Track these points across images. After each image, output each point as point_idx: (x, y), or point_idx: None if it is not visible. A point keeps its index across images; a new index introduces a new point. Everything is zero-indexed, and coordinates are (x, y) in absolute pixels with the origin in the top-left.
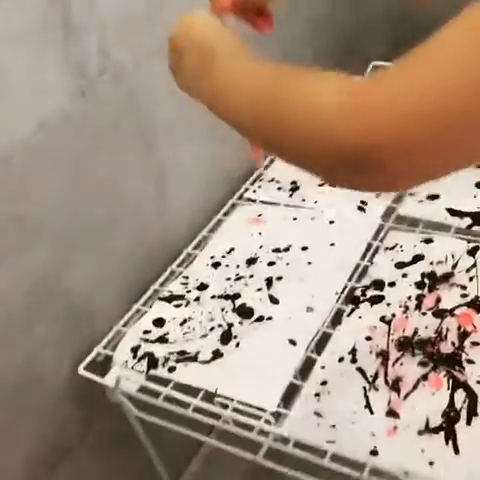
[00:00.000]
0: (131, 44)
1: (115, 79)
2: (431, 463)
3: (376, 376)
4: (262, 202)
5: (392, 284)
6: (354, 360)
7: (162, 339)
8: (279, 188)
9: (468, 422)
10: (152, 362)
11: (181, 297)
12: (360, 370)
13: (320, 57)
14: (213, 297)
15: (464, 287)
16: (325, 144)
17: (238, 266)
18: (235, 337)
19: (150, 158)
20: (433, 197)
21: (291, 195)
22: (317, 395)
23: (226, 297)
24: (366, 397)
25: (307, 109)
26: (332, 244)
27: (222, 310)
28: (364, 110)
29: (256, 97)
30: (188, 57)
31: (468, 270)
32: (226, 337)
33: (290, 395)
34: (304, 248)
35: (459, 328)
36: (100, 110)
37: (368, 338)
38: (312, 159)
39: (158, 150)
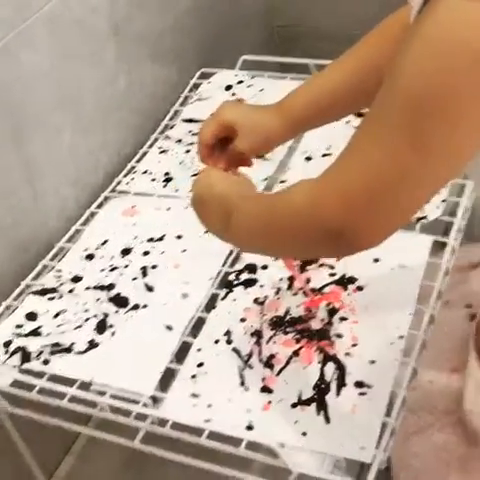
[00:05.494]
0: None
1: None
2: (304, 433)
3: (250, 355)
4: (136, 194)
5: (265, 267)
6: (229, 341)
7: (35, 332)
8: (153, 179)
9: (338, 392)
10: (25, 356)
11: (54, 290)
12: (235, 350)
13: (197, 48)
14: (87, 289)
15: (332, 267)
16: (311, 232)
17: (113, 257)
18: (111, 326)
19: (19, 150)
20: None
21: (165, 186)
22: (194, 377)
23: (101, 288)
24: (241, 375)
25: (293, 213)
26: (206, 232)
27: (97, 300)
28: (324, 202)
29: (261, 225)
30: (212, 211)
31: None
32: (101, 327)
33: (168, 379)
34: (179, 237)
35: (328, 305)
36: None
37: (242, 320)
38: (307, 243)
39: (28, 142)
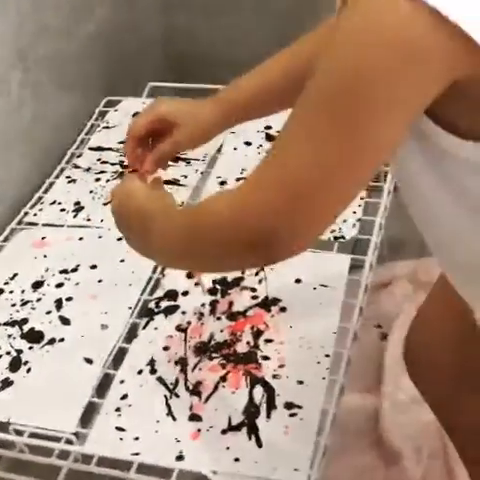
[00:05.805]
0: None
1: None
2: (237, 459)
3: (176, 383)
4: (45, 225)
5: (185, 293)
6: (153, 371)
7: None
8: (62, 209)
9: (268, 415)
10: None
11: None
12: (160, 380)
13: (103, 75)
14: None
15: (254, 289)
16: (234, 242)
17: (23, 291)
18: (25, 363)
19: None
20: None
21: (75, 216)
22: (118, 410)
23: (12, 324)
24: (168, 405)
25: (214, 224)
26: (122, 260)
27: (9, 337)
28: (245, 210)
29: (183, 239)
30: (131, 224)
31: (257, 273)
32: (15, 364)
33: (90, 414)
34: (93, 266)
35: (252, 328)
36: None
37: (166, 348)
38: (231, 254)
39: None
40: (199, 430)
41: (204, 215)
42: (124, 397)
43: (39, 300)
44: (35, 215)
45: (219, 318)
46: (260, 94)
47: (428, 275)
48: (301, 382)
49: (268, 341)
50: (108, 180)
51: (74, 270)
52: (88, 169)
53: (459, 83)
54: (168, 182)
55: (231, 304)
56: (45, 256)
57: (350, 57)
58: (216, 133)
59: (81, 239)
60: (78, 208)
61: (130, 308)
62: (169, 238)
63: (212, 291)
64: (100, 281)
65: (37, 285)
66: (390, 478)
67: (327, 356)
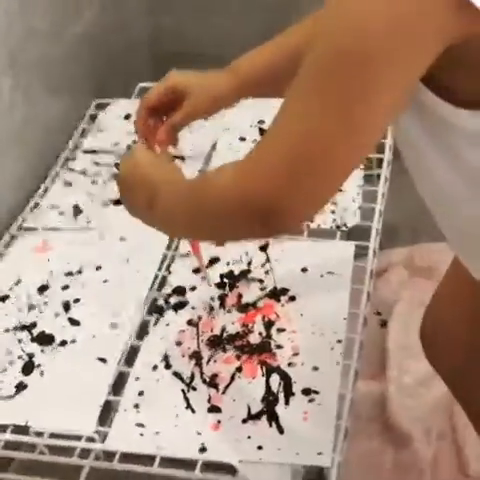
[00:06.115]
0: None
1: None
2: (259, 447)
3: (192, 377)
4: (45, 229)
5: (193, 288)
6: (168, 366)
7: None
8: (61, 213)
9: (286, 402)
10: None
11: None
12: (176, 374)
13: (91, 78)
14: (7, 331)
15: (261, 281)
16: (238, 214)
17: (29, 296)
18: (38, 366)
19: None
20: None
21: (75, 219)
22: (136, 406)
23: (22, 328)
24: (186, 399)
25: (218, 195)
26: (127, 260)
27: (19, 341)
28: (248, 182)
29: (186, 210)
30: (136, 192)
31: (263, 265)
32: (28, 368)
33: (108, 413)
34: (98, 267)
35: (264, 318)
36: None
37: (178, 343)
38: (235, 226)
39: None
40: (219, 421)
41: (208, 186)
42: (141, 393)
43: (46, 303)
44: (34, 220)
45: (229, 311)
46: (272, 71)
47: (424, 260)
48: (316, 368)
49: (280, 330)
50: (104, 182)
51: (79, 272)
52: (83, 172)
53: (453, 49)
54: None
55: (240, 296)
56: (48, 260)
57: (343, 20)
58: (227, 104)
59: (83, 241)
60: (77, 211)
61: (139, 306)
62: (174, 209)
63: (220, 285)
64: (105, 281)
65: (43, 289)
66: (400, 461)
67: (339, 342)
